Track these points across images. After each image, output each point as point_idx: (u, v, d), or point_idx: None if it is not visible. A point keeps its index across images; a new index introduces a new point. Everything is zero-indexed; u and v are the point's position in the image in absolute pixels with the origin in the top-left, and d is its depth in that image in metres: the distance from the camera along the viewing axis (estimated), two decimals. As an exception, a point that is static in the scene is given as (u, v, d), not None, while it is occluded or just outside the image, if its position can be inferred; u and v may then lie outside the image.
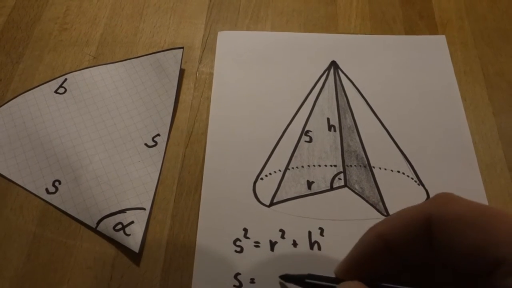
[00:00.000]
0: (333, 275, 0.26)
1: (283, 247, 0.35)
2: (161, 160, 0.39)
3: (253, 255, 0.34)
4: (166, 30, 0.47)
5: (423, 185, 0.37)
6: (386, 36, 0.46)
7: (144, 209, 0.37)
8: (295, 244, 0.35)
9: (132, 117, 0.42)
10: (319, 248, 0.35)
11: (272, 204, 0.37)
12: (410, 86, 0.43)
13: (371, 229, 0.24)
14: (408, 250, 0.23)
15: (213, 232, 0.36)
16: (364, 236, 0.25)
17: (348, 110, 0.41)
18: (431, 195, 0.37)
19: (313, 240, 0.35)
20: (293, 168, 0.38)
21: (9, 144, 0.40)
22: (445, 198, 0.22)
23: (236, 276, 0.34)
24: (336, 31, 0.47)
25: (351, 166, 0.38)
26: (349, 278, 0.24)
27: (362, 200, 0.37)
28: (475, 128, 0.40)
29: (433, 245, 0.22)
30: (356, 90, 0.42)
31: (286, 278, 0.32)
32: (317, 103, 0.42)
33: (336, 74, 0.43)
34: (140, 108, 0.42)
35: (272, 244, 0.35)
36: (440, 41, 0.46)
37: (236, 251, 0.35)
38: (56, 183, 0.38)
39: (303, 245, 0.35)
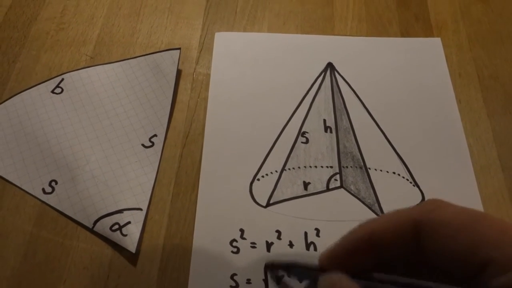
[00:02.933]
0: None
1: (280, 248, 0.35)
2: (158, 161, 0.39)
3: (249, 256, 0.35)
4: (163, 30, 0.47)
5: (418, 187, 0.38)
6: (382, 38, 0.46)
7: (141, 209, 0.37)
8: (291, 245, 0.35)
9: (129, 117, 0.42)
10: (315, 249, 0.35)
11: (268, 204, 0.37)
12: (406, 88, 0.43)
13: (361, 225, 0.25)
14: (395, 252, 0.24)
15: (209, 233, 0.36)
16: (354, 230, 0.25)
17: (344, 111, 0.42)
18: (426, 197, 0.37)
19: (309, 241, 0.35)
20: (289, 169, 0.39)
21: (5, 144, 0.40)
22: (434, 204, 0.23)
23: (232, 276, 0.34)
24: (333, 32, 0.47)
25: (347, 167, 0.39)
26: (332, 268, 0.24)
27: (358, 201, 0.37)
28: (469, 130, 0.41)
29: (422, 249, 0.23)
30: (352, 92, 0.43)
31: (270, 265, 0.31)
32: (313, 104, 0.42)
33: (332, 75, 0.44)
34: (137, 108, 0.42)
35: (269, 245, 0.35)
36: (435, 43, 0.46)
37: (232, 251, 0.35)
38: (53, 183, 0.38)
39: (299, 246, 0.35)
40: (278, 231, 0.36)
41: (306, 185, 0.38)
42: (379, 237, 0.24)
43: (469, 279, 0.21)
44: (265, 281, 0.34)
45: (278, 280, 0.30)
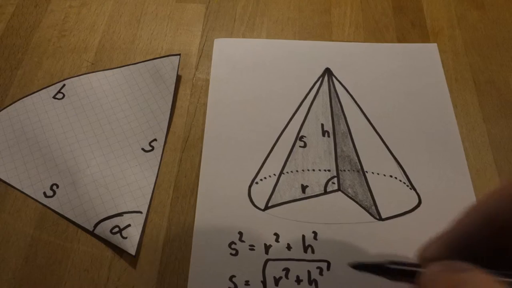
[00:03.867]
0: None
1: (278, 250, 0.35)
2: (157, 165, 0.40)
3: (248, 258, 0.35)
4: (163, 37, 0.48)
5: (414, 190, 0.38)
6: (379, 44, 0.47)
7: (140, 212, 0.37)
8: (289, 247, 0.36)
9: (130, 122, 0.42)
10: (313, 252, 0.35)
11: (267, 208, 0.37)
12: (402, 92, 0.44)
13: (473, 208, 0.22)
14: (504, 226, 0.21)
15: (208, 235, 0.36)
16: (465, 216, 0.22)
17: (342, 116, 0.42)
18: (422, 200, 0.38)
19: (306, 244, 0.36)
20: (287, 172, 0.39)
21: (7, 149, 0.41)
22: None
23: (231, 278, 0.34)
24: (330, 39, 0.48)
25: (344, 170, 0.39)
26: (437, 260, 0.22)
27: (355, 204, 0.38)
28: (465, 134, 0.41)
29: None
30: (350, 97, 0.43)
31: (359, 267, 0.29)
32: (311, 109, 0.43)
33: (330, 81, 0.44)
34: (137, 113, 0.43)
35: (267, 248, 0.36)
36: (432, 49, 0.47)
37: (231, 253, 0.35)
38: (54, 187, 0.39)
39: (297, 248, 0.36)
40: (276, 234, 0.36)
41: (304, 188, 0.38)
42: (497, 215, 0.21)
43: None
44: (263, 282, 0.34)
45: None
